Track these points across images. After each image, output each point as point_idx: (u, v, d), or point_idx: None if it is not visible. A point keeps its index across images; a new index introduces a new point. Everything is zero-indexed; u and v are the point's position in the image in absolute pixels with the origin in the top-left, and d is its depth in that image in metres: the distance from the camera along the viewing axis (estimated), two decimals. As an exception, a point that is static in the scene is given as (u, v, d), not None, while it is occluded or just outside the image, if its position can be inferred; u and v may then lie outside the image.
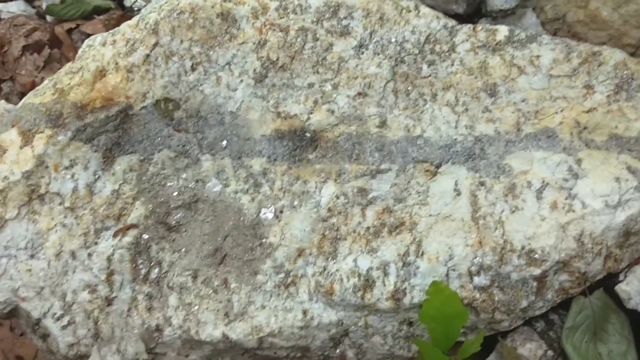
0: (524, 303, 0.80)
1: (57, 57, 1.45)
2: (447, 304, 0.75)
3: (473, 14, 1.09)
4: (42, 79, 1.40)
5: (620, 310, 0.82)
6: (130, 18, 1.38)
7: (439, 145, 0.89)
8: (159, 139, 0.89)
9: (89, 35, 1.41)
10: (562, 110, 0.87)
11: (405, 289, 0.81)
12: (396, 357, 0.85)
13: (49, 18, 1.45)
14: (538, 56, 0.91)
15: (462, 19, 1.06)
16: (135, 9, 1.40)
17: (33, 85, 1.41)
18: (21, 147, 0.86)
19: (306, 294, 0.83)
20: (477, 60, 0.93)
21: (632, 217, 0.80)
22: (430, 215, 0.84)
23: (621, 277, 0.83)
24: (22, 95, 1.40)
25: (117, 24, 1.40)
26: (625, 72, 0.88)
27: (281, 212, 0.87)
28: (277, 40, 0.91)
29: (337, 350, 0.85)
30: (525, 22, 1.06)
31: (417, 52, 0.94)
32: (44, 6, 1.46)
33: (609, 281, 0.84)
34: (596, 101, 0.87)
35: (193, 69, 0.90)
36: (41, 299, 0.84)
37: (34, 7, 1.53)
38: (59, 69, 1.45)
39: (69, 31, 1.42)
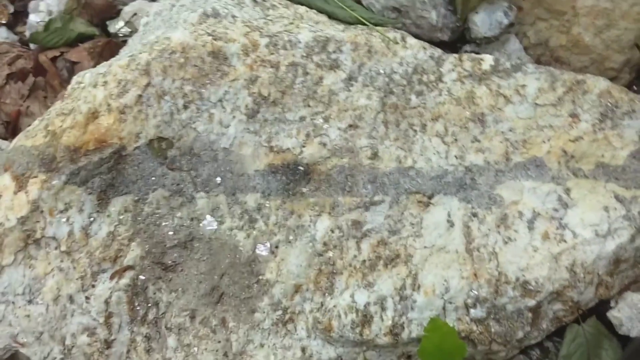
0: (520, 334, 0.82)
1: (42, 85, 1.44)
2: (446, 340, 0.76)
3: (457, 41, 1.10)
4: (28, 108, 1.40)
5: (612, 336, 0.85)
6: (115, 45, 1.37)
7: (430, 176, 0.90)
8: (153, 178, 0.89)
9: (73, 63, 1.40)
10: (549, 139, 0.89)
11: (403, 323, 0.82)
12: (395, 388, 0.86)
13: (32, 46, 1.44)
14: (524, 85, 0.93)
15: (447, 46, 1.08)
16: (120, 35, 1.40)
17: (18, 114, 1.40)
18: (15, 193, 0.86)
19: (304, 331, 0.84)
20: (464, 90, 0.94)
21: (622, 245, 0.83)
22: (425, 247, 0.85)
23: (612, 303, 0.85)
24: (7, 124, 1.39)
25: (102, 52, 1.39)
26: (610, 100, 0.90)
27: (277, 247, 0.88)
28: (268, 75, 0.92)
29: (337, 384, 0.86)
30: (509, 47, 1.08)
31: (405, 83, 0.95)
32: (27, 34, 1.45)
33: (600, 308, 0.86)
34: (582, 130, 0.89)
35: (185, 107, 0.90)
36: (41, 344, 0.84)
37: (16, 34, 1.52)
38: (44, 96, 1.45)
39: (53, 59, 1.42)
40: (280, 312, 0.85)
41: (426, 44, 1.00)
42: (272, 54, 0.93)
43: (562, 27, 1.06)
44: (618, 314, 0.83)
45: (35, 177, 0.86)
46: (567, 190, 0.86)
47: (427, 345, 0.76)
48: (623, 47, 1.03)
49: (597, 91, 0.91)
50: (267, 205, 0.90)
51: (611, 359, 0.83)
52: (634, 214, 0.83)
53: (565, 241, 0.82)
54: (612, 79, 1.02)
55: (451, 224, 0.86)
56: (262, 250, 0.88)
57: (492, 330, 0.81)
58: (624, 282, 0.85)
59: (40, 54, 1.41)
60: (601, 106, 0.90)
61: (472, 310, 0.81)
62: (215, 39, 0.91)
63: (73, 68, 1.38)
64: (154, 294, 0.86)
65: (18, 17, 1.54)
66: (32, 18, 1.44)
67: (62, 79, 1.40)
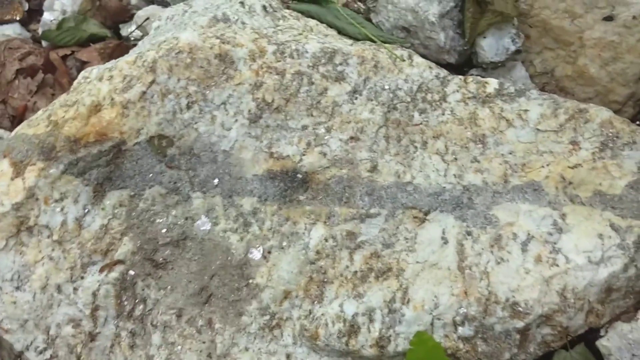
0: (507, 355, 0.81)
1: (51, 82, 1.45)
2: (431, 355, 0.75)
3: (464, 64, 1.12)
4: (35, 104, 1.41)
5: (600, 366, 0.84)
6: (126, 48, 1.39)
7: (428, 193, 0.90)
8: (151, 175, 0.89)
9: (83, 63, 1.42)
10: (548, 165, 0.89)
11: (390, 336, 0.81)
12: (378, 404, 0.85)
13: (44, 43, 1.45)
14: (526, 110, 0.93)
15: (453, 68, 1.09)
16: (132, 39, 1.42)
17: (25, 109, 1.41)
18: (12, 179, 0.86)
19: (290, 338, 0.83)
20: (467, 110, 0.95)
21: (614, 274, 0.82)
22: (417, 262, 0.85)
23: (602, 332, 0.84)
24: (13, 118, 1.40)
25: (113, 53, 1.41)
26: (611, 130, 0.90)
27: (269, 252, 0.87)
28: (273, 82, 0.93)
29: (319, 395, 0.85)
30: (515, 74, 1.09)
31: (409, 100, 0.96)
32: (40, 31, 1.47)
33: (590, 336, 0.85)
34: (581, 157, 0.89)
35: (188, 107, 0.91)
36: (25, 332, 0.83)
37: (29, 31, 1.53)
38: (52, 94, 1.46)
39: (64, 57, 1.43)
40: (267, 317, 0.84)
41: (432, 64, 1.00)
42: (278, 61, 0.93)
43: (569, 58, 1.07)
44: (607, 343, 0.82)
45: (33, 164, 0.86)
46: (563, 216, 0.85)
47: (412, 358, 0.76)
48: (628, 81, 1.03)
49: (599, 120, 0.91)
50: (263, 210, 0.89)
51: (598, 388, 0.82)
52: (628, 244, 0.82)
53: (557, 265, 0.82)
54: (616, 112, 1.02)
55: (445, 241, 0.86)
56: (254, 254, 0.87)
57: (479, 349, 0.80)
58: (615, 311, 0.84)
59: (51, 52, 1.43)
60: (602, 135, 0.90)
61: (460, 328, 0.81)
62: (223, 42, 0.92)
63: (82, 67, 1.39)
64: (143, 290, 0.85)
65: (32, 15, 1.56)
66: (46, 16, 1.46)
67: (71, 77, 1.41)
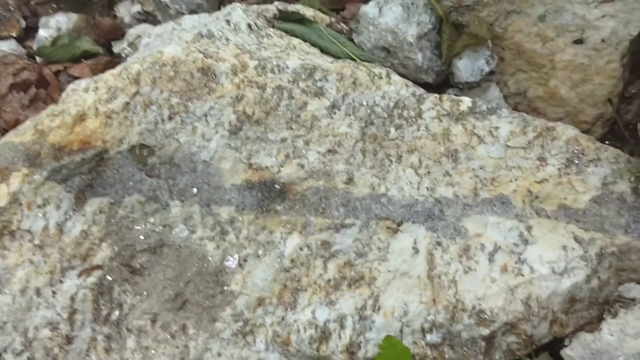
0: (473, 362, 0.83)
1: (43, 97, 1.48)
2: (399, 359, 0.77)
3: (441, 84, 1.15)
4: (26, 117, 1.43)
5: (565, 375, 0.85)
6: (117, 64, 1.43)
7: (401, 204, 0.93)
8: (131, 183, 0.92)
9: (75, 78, 1.45)
10: (516, 179, 0.92)
11: (360, 342, 0.83)
12: (348, 411, 0.87)
13: (38, 59, 1.49)
14: (497, 127, 0.97)
15: (431, 87, 1.13)
16: (123, 55, 1.45)
17: (16, 123, 1.44)
18: (-4, 183, 0.89)
19: (263, 344, 0.85)
20: (441, 127, 0.98)
21: (577, 285, 0.85)
22: (388, 271, 0.87)
23: (566, 342, 0.86)
24: (5, 132, 1.42)
25: (104, 69, 1.44)
26: (577, 147, 0.94)
27: (245, 260, 0.90)
28: (254, 96, 0.96)
29: (291, 401, 0.86)
30: (489, 94, 1.13)
31: (386, 115, 0.99)
32: (35, 47, 1.51)
33: (554, 345, 0.87)
34: (548, 173, 0.92)
35: (170, 118, 0.94)
36: (3, 334, 0.85)
37: (25, 47, 1.57)
38: (44, 108, 1.49)
39: (57, 73, 1.47)
40: (241, 324, 0.86)
41: (409, 82, 1.04)
42: (260, 75, 0.97)
43: (540, 79, 1.11)
44: (571, 352, 0.84)
45: (18, 170, 0.89)
46: (529, 228, 0.88)
47: (379, 363, 0.78)
48: (597, 102, 1.07)
49: (565, 138, 0.95)
50: (240, 219, 0.92)
51: (562, 397, 0.84)
52: (591, 255, 0.85)
53: (522, 275, 0.84)
54: (586, 132, 1.06)
55: (416, 250, 0.88)
56: (230, 262, 0.90)
57: (446, 356, 0.82)
58: (579, 322, 0.86)
59: (44, 67, 1.46)
60: (568, 152, 0.94)
61: (428, 335, 0.83)
62: (206, 57, 0.96)
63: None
64: (119, 295, 0.87)
65: (29, 31, 1.60)
66: (42, 33, 1.50)
67: (63, 92, 1.44)
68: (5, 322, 0.85)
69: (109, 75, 0.94)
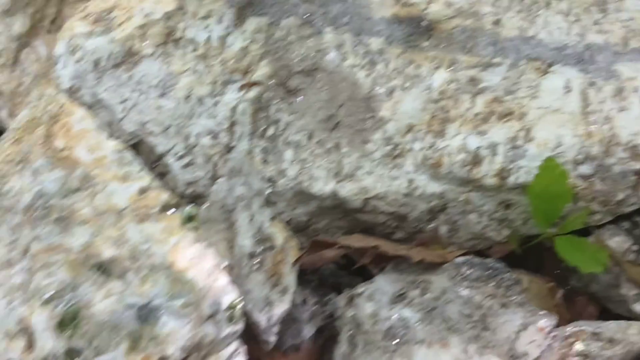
0: (620, 196, 0.85)
1: None
2: (556, 182, 0.80)
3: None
4: None
5: None
6: None
7: (551, 47, 0.93)
8: (287, 6, 0.93)
9: None
10: (672, 28, 0.91)
11: (512, 169, 0.86)
12: (485, 238, 0.91)
13: None
14: (650, -23, 0.95)
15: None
16: None
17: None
18: (163, -10, 0.91)
19: (412, 166, 0.88)
20: (593, -24, 0.96)
21: None
22: (540, 108, 0.88)
23: None
24: None
25: None
26: None
27: (393, 91, 0.92)
28: None
29: (431, 225, 0.91)
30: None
31: (535, -40, 0.97)
32: None
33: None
34: None
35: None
36: (166, 137, 0.89)
37: None
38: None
39: None
40: (391, 147, 0.89)
41: None
42: None
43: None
44: None
45: (183, -21, 0.90)
46: (686, 73, 0.88)
47: (537, 184, 0.81)
48: None
49: None
50: (389, 51, 0.93)
51: None
52: None
53: (681, 113, 0.85)
54: None
55: (568, 89, 0.89)
56: (379, 91, 0.92)
57: (596, 187, 0.85)
58: None
59: None
60: None
61: (579, 167, 0.85)
62: None
63: None
64: (275, 112, 0.91)
65: None
66: None
67: None
68: (169, 125, 0.89)
69: None
